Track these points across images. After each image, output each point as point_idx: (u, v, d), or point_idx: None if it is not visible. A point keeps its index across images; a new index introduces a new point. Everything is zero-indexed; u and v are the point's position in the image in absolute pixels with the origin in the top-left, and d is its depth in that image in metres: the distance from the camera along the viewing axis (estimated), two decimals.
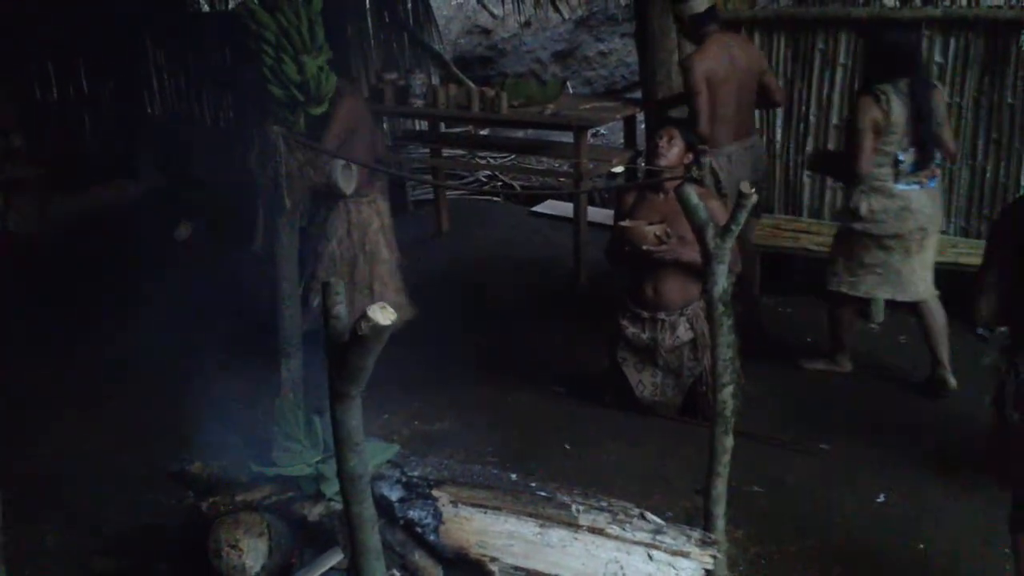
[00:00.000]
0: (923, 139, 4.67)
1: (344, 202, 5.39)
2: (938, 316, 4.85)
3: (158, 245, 7.11)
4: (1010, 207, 3.21)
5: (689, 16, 5.32)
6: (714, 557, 3.09)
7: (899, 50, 4.70)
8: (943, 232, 5.96)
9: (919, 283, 4.86)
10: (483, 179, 9.22)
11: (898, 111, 4.60)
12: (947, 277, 5.12)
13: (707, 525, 3.30)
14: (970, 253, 5.51)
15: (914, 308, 4.95)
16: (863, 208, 4.75)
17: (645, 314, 4.66)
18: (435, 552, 3.18)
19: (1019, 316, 2.87)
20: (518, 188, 8.81)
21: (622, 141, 7.68)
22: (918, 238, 4.81)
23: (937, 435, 4.48)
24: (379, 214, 5.54)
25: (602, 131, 9.58)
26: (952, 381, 4.85)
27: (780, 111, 6.17)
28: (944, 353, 4.87)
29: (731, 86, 5.27)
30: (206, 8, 9.33)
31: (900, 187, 4.71)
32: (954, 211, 5.92)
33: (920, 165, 4.71)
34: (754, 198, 2.95)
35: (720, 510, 3.30)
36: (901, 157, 4.68)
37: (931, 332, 4.87)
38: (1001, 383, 2.93)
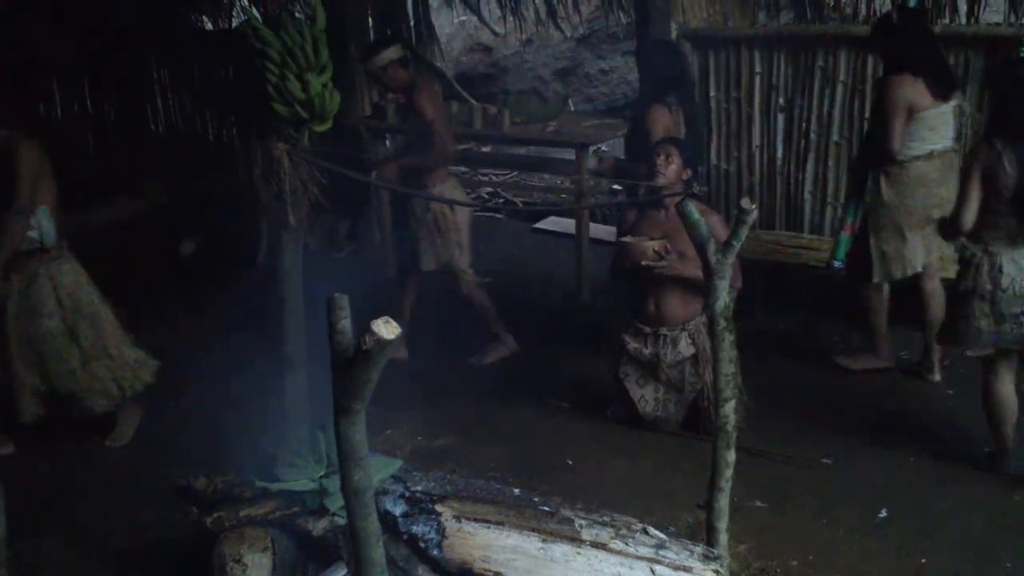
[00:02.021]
0: (693, 143, 5.30)
1: (45, 266, 4.69)
2: None
3: (160, 262, 7.12)
4: (976, 149, 4.14)
5: (388, 64, 5.48)
6: (717, 572, 3.10)
7: (664, 69, 5.36)
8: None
9: None
10: (485, 196, 9.25)
11: (680, 119, 5.35)
12: None
13: (710, 540, 3.31)
14: None
15: None
16: None
17: (647, 329, 4.69)
18: (439, 567, 3.20)
19: (983, 218, 4.03)
20: (520, 205, 8.85)
21: (623, 158, 7.70)
22: None
23: (939, 451, 4.49)
24: (80, 269, 4.84)
25: (603, 148, 9.62)
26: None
27: (781, 129, 6.21)
28: None
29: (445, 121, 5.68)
30: (209, 26, 9.39)
31: None
32: None
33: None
34: (754, 214, 2.96)
35: (723, 525, 3.31)
36: None
37: None
38: (969, 264, 4.06)
